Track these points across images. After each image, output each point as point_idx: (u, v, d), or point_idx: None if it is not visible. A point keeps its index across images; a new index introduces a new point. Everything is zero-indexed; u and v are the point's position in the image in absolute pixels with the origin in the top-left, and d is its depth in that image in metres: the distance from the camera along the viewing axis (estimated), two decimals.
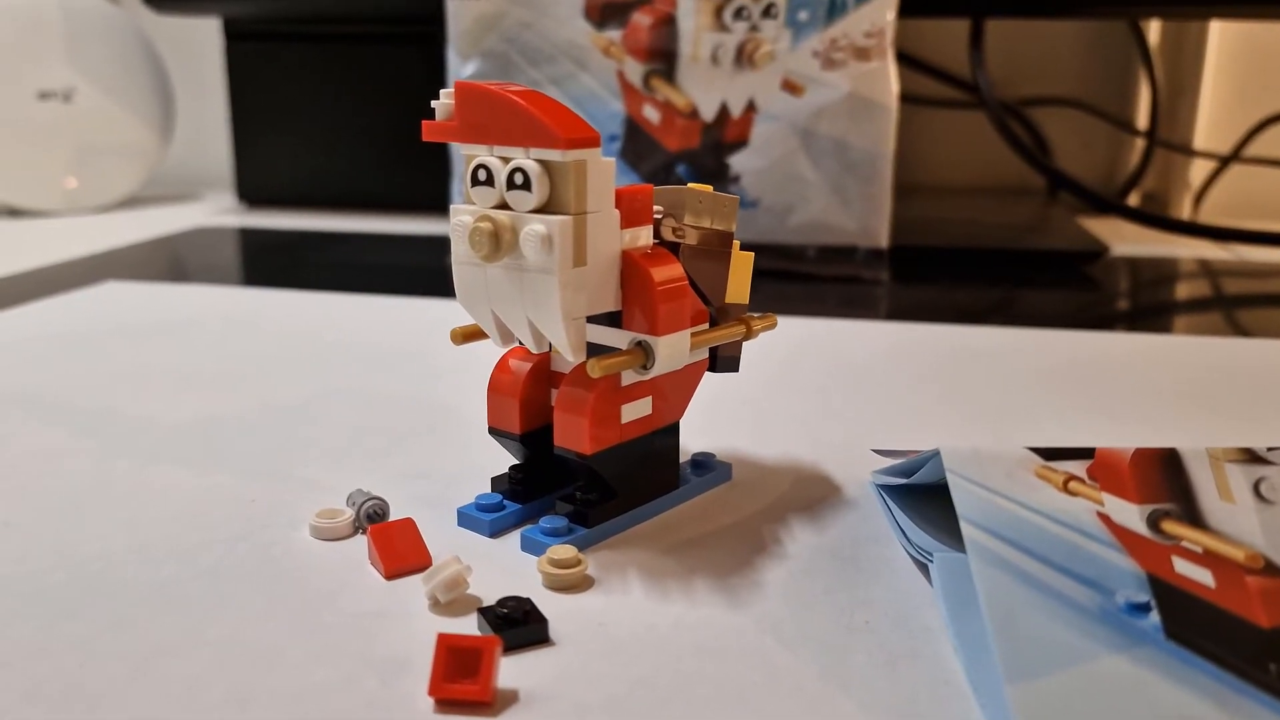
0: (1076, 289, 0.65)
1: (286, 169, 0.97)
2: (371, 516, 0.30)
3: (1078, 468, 0.25)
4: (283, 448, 0.36)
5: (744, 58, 0.64)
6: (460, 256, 0.28)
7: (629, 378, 0.29)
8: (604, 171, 0.27)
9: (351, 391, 0.43)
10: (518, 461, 0.32)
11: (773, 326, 0.33)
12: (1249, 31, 0.89)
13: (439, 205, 0.89)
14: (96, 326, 0.53)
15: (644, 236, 0.29)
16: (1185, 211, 0.92)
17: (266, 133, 0.97)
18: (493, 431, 0.31)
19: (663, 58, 0.65)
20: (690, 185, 0.31)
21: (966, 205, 0.91)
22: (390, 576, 0.27)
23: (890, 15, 0.62)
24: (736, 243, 0.32)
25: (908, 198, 0.80)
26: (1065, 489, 0.25)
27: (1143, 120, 0.96)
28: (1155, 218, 0.77)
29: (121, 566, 0.28)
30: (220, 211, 0.97)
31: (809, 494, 0.33)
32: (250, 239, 0.82)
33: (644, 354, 0.28)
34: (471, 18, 0.67)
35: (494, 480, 0.32)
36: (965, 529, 0.23)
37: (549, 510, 0.31)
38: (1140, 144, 0.95)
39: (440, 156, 0.82)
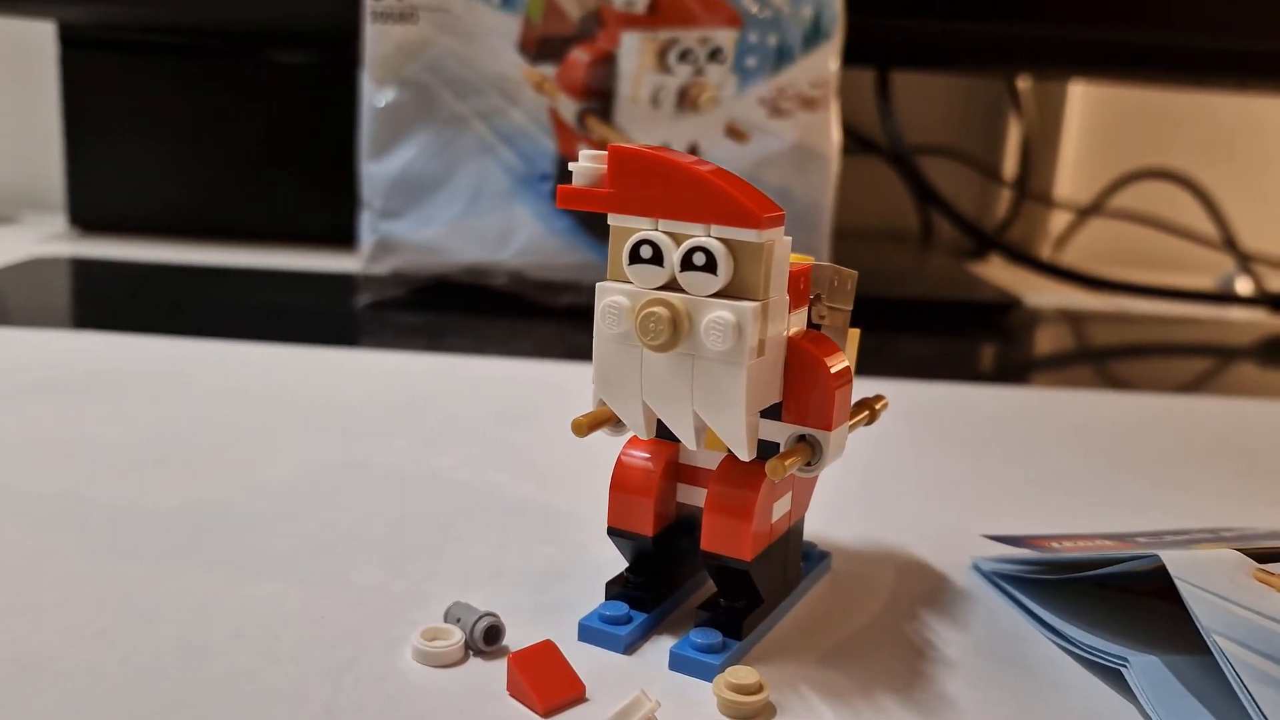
0: (1013, 341, 0.67)
1: (132, 193, 0.87)
2: (489, 636, 0.26)
3: None
4: (312, 542, 0.32)
5: (686, 101, 0.62)
6: (608, 338, 0.25)
7: None
8: (785, 253, 0.25)
9: (344, 466, 0.38)
10: (628, 563, 0.28)
11: (887, 407, 0.31)
12: (1112, 90, 0.95)
13: (305, 237, 0.84)
14: None
15: (801, 320, 0.27)
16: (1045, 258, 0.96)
17: (108, 152, 0.87)
18: (613, 532, 0.28)
19: (599, 96, 0.62)
20: (814, 261, 0.28)
21: (851, 250, 0.92)
22: (547, 714, 0.24)
23: (834, 65, 0.62)
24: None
25: None
26: None
27: (1011, 169, 1.00)
28: (1069, 273, 0.79)
29: (222, 713, 0.23)
30: (50, 238, 0.86)
31: (921, 586, 0.31)
32: (104, 273, 0.74)
33: (810, 449, 0.26)
34: (393, 43, 0.62)
35: (608, 585, 0.28)
36: (1221, 643, 0.22)
37: (669, 618, 0.28)
38: (1007, 193, 0.99)
39: (311, 186, 0.76)
